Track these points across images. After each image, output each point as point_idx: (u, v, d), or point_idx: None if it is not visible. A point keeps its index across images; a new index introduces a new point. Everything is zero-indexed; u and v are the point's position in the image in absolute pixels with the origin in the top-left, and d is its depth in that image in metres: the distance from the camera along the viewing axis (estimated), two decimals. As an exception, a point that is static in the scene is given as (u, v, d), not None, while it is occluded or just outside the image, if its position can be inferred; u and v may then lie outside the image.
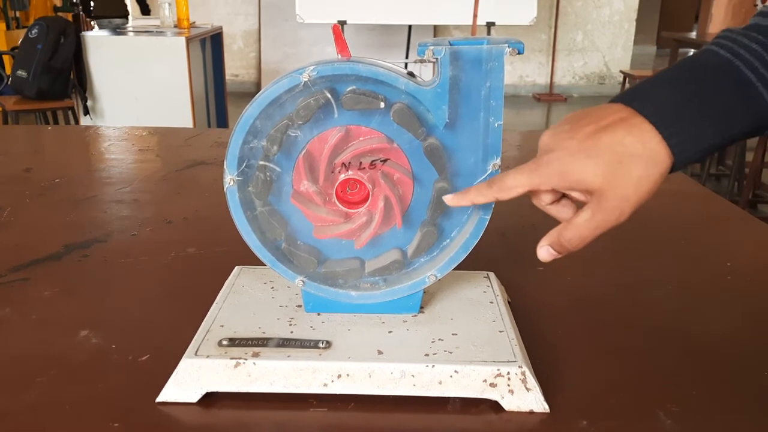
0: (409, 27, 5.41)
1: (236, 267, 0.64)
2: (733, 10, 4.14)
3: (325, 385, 0.49)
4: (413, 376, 0.49)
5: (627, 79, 4.47)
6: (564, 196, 0.47)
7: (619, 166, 0.42)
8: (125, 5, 3.82)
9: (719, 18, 4.23)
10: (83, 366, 0.54)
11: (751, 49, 0.42)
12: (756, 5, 3.74)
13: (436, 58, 0.49)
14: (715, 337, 0.60)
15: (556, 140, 0.44)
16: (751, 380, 0.53)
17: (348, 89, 0.50)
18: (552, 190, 0.46)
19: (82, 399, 0.49)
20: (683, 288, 0.70)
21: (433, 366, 0.49)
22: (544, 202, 0.47)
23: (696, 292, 0.69)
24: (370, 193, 0.52)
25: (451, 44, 0.48)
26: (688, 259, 0.78)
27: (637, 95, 0.44)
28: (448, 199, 0.50)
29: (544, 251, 0.47)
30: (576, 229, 0.45)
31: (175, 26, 3.72)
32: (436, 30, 6.08)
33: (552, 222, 0.48)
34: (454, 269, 0.54)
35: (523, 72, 6.48)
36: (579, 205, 0.46)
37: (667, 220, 0.89)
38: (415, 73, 0.53)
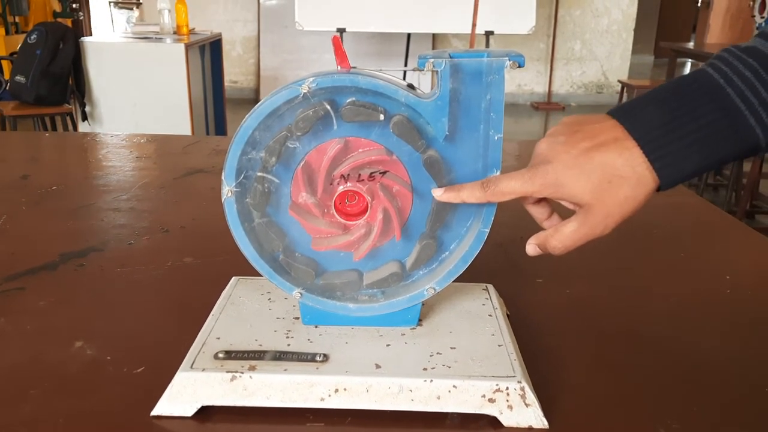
0: (408, 35, 5.42)
1: (233, 278, 0.64)
2: (731, 20, 4.16)
3: (322, 399, 0.48)
4: (411, 390, 0.48)
5: (625, 88, 4.48)
6: (544, 198, 0.51)
7: (609, 186, 0.45)
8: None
9: (717, 28, 4.24)
10: (77, 378, 0.53)
11: (744, 76, 0.43)
12: (753, 16, 3.76)
13: (436, 71, 0.48)
14: (716, 352, 0.60)
15: (552, 151, 0.47)
16: (753, 395, 0.53)
17: (347, 101, 0.50)
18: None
19: (76, 412, 0.49)
20: (683, 302, 0.69)
21: (432, 381, 0.48)
22: (528, 202, 0.52)
23: (696, 306, 0.69)
24: (369, 205, 0.52)
25: (451, 57, 0.48)
26: (687, 272, 0.78)
27: (631, 113, 0.46)
28: (438, 193, 0.51)
29: (531, 248, 0.51)
30: (561, 237, 0.48)
31: (175, 33, 3.72)
32: (435, 38, 6.10)
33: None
34: (453, 281, 0.54)
35: (522, 81, 6.50)
36: (555, 206, 0.51)
37: (666, 232, 0.89)
38: (414, 83, 0.52)
